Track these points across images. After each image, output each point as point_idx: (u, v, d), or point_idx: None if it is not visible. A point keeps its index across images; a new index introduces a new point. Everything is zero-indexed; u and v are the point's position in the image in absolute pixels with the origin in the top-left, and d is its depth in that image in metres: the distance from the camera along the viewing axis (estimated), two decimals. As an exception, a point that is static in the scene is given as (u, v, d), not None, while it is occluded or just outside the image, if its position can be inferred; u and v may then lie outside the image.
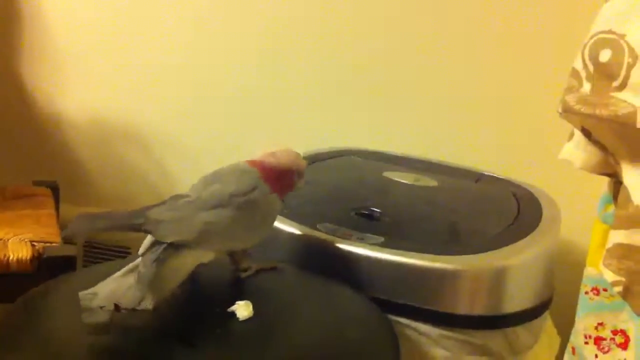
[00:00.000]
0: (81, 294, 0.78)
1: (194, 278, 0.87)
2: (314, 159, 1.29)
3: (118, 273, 0.81)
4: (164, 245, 0.81)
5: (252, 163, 0.95)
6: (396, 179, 1.23)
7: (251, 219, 0.90)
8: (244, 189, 0.90)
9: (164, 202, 0.86)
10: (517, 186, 1.21)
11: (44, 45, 1.61)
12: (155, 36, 1.55)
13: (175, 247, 0.82)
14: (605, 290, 0.82)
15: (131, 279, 0.79)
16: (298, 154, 0.99)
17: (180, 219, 0.84)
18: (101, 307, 0.76)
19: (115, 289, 0.78)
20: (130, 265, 0.81)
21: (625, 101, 0.70)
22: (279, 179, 0.94)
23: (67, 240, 1.18)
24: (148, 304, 0.76)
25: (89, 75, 1.61)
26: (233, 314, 0.83)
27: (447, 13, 1.38)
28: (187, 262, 0.84)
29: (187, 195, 0.89)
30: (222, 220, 0.86)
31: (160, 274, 0.79)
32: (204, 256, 0.86)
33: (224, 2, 1.49)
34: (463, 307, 0.97)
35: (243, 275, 0.95)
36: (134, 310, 0.76)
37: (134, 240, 1.47)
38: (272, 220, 0.96)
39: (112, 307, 0.76)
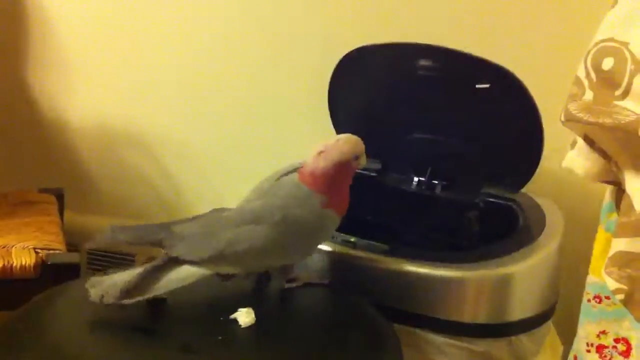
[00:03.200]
0: (91, 279, 0.83)
1: (196, 285, 0.88)
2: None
3: (135, 269, 0.83)
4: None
5: (302, 175, 0.89)
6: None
7: (290, 237, 0.86)
8: (286, 204, 0.87)
9: (199, 216, 0.86)
10: (520, 194, 1.21)
11: (50, 51, 1.61)
12: (161, 42, 1.55)
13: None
14: (607, 298, 0.82)
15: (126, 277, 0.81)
16: (349, 137, 0.91)
17: (204, 235, 0.83)
18: (94, 297, 0.81)
19: (114, 283, 0.81)
20: (145, 265, 0.83)
21: (628, 109, 0.70)
22: (336, 178, 0.89)
23: (71, 248, 1.19)
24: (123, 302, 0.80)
25: (95, 81, 1.61)
26: (235, 320, 0.82)
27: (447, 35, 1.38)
28: (196, 274, 0.83)
29: (229, 209, 0.88)
30: (251, 238, 0.84)
31: (153, 279, 0.81)
32: (225, 269, 0.86)
33: (228, 10, 1.50)
34: (466, 315, 0.97)
35: (287, 285, 0.93)
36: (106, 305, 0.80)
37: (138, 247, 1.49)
38: (322, 238, 0.92)
39: (98, 299, 0.80)
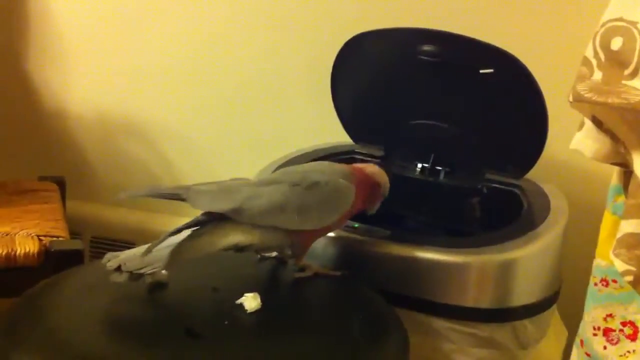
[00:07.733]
0: (108, 254, 0.83)
1: (202, 269, 0.87)
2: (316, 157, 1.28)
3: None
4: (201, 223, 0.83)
5: (347, 166, 0.98)
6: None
7: (306, 199, 0.88)
8: (307, 171, 0.92)
9: (218, 181, 0.88)
10: (524, 179, 1.21)
11: (50, 42, 1.61)
12: (159, 33, 1.55)
13: (215, 225, 0.83)
14: (614, 281, 0.82)
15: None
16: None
17: (224, 192, 0.85)
18: (112, 269, 0.80)
19: (131, 255, 0.81)
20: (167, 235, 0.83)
21: (637, 89, 0.70)
22: (366, 187, 0.97)
23: (74, 236, 1.18)
24: (147, 270, 0.80)
25: (95, 71, 1.61)
26: (241, 305, 0.82)
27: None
28: (222, 240, 0.84)
29: (247, 179, 0.91)
30: (270, 195, 0.85)
31: (182, 246, 0.81)
32: (243, 236, 0.86)
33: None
34: (470, 300, 0.97)
35: (297, 275, 0.93)
36: (130, 273, 0.79)
37: (140, 234, 1.49)
38: (338, 208, 0.92)
39: (114, 267, 0.80)
